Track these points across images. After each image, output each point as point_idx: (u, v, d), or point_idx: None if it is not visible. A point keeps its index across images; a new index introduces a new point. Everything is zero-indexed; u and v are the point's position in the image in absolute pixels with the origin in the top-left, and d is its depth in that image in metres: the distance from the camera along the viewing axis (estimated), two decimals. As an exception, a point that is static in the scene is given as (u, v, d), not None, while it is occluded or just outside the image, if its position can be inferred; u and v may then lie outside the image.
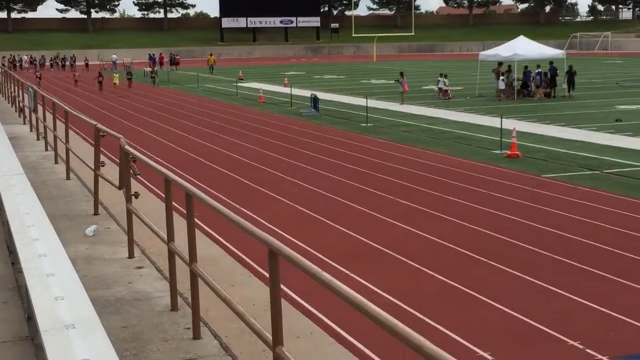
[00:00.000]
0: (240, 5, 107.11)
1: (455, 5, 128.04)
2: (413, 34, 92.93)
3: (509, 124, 21.58)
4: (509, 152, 18.84)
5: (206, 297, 5.68)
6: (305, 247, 10.90)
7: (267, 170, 17.43)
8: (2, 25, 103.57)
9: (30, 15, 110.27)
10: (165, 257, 6.37)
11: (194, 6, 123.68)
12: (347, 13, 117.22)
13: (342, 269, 9.88)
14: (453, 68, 56.73)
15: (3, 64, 59.65)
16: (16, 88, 24.21)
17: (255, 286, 9.02)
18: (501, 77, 34.31)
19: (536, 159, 18.39)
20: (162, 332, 5.62)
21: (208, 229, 11.43)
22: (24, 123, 20.14)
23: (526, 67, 35.30)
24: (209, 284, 5.07)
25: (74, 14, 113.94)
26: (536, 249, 10.78)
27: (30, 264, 5.40)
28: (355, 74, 56.66)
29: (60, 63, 76.40)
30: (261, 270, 9.41)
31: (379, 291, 9.00)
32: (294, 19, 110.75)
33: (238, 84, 44.16)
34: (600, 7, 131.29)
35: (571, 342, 7.52)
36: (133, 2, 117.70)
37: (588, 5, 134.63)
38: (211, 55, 67.73)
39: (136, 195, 7.67)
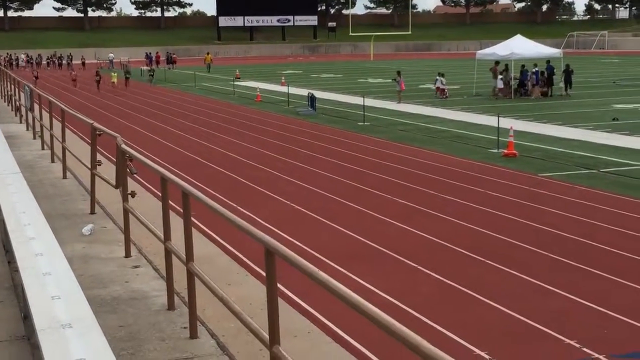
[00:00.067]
0: (238, 4, 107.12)
1: (453, 4, 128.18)
2: (410, 32, 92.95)
3: (506, 123, 21.61)
4: (506, 151, 18.85)
5: (203, 296, 5.68)
6: (302, 246, 10.90)
7: (264, 169, 17.42)
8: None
9: (27, 13, 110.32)
10: (161, 256, 6.36)
11: (191, 5, 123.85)
12: (345, 12, 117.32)
13: (338, 268, 9.87)
14: (450, 67, 56.76)
15: (-1, 63, 59.58)
16: (12, 86, 24.17)
17: (252, 285, 9.03)
18: (499, 76, 34.34)
19: (533, 158, 18.40)
20: (159, 332, 5.61)
21: (205, 228, 11.43)
22: (21, 122, 20.11)
23: (523, 66, 35.31)
24: (206, 283, 5.07)
25: (70, 12, 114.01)
26: (533, 248, 10.79)
27: (27, 263, 5.39)
28: (353, 73, 56.68)
29: (57, 62, 76.31)
30: (258, 269, 9.41)
31: (375, 290, 9.00)
32: (291, 17, 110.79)
33: (235, 83, 44.14)
34: (597, 6, 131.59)
35: (568, 340, 7.53)
36: (130, 0, 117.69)
37: (585, 5, 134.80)
38: (208, 54, 67.75)
39: (133, 194, 7.66)
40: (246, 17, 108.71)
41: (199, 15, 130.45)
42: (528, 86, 34.66)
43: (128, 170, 7.78)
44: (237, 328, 6.33)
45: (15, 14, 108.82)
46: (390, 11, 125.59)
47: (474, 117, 26.94)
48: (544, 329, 7.83)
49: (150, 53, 73.02)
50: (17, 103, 21.90)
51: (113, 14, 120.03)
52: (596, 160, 17.89)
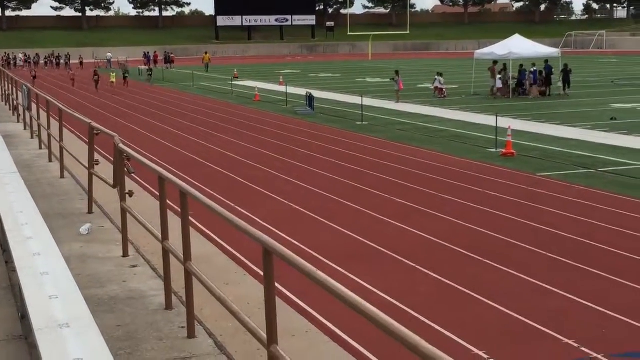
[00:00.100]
0: (236, 4, 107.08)
1: (451, 4, 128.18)
2: (408, 32, 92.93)
3: (504, 122, 21.61)
4: (504, 150, 18.85)
5: (201, 296, 5.67)
6: (300, 245, 10.89)
7: (261, 169, 17.41)
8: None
9: (24, 13, 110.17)
10: (159, 255, 6.35)
11: (189, 4, 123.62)
12: (343, 11, 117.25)
13: (337, 267, 9.87)
14: (448, 66, 56.78)
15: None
16: (10, 86, 24.14)
17: (249, 285, 9.02)
18: (498, 76, 34.35)
19: (531, 158, 18.40)
20: (157, 331, 5.60)
21: (202, 228, 11.43)
22: (18, 121, 20.08)
23: (521, 65, 35.33)
24: (204, 283, 5.06)
25: (68, 12, 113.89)
26: (531, 248, 10.79)
27: (24, 262, 5.38)
28: (351, 73, 56.68)
29: (55, 61, 76.25)
30: (256, 268, 9.40)
31: (374, 290, 8.99)
32: (289, 17, 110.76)
33: (233, 82, 44.12)
34: (595, 6, 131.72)
35: (566, 340, 7.53)
36: (128, 0, 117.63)
37: (583, 4, 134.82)
38: (206, 53, 67.70)
39: (130, 193, 7.66)
40: (244, 17, 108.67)
41: (197, 14, 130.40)
42: (526, 86, 34.67)
43: (126, 169, 7.77)
44: (235, 327, 6.32)
45: (13, 14, 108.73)
46: (388, 11, 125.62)
47: (472, 117, 26.94)
48: (543, 328, 7.83)
49: (148, 52, 73.00)
50: (15, 102, 21.87)
51: (111, 13, 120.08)
52: (594, 160, 17.90)
